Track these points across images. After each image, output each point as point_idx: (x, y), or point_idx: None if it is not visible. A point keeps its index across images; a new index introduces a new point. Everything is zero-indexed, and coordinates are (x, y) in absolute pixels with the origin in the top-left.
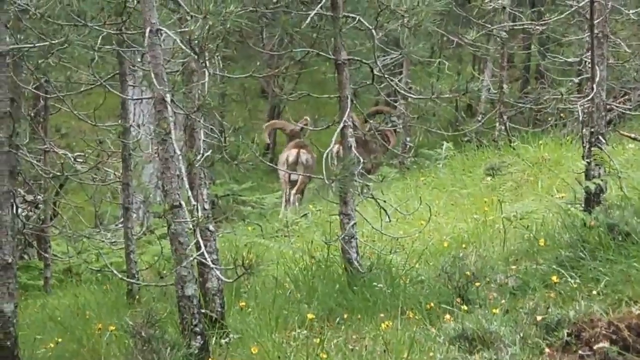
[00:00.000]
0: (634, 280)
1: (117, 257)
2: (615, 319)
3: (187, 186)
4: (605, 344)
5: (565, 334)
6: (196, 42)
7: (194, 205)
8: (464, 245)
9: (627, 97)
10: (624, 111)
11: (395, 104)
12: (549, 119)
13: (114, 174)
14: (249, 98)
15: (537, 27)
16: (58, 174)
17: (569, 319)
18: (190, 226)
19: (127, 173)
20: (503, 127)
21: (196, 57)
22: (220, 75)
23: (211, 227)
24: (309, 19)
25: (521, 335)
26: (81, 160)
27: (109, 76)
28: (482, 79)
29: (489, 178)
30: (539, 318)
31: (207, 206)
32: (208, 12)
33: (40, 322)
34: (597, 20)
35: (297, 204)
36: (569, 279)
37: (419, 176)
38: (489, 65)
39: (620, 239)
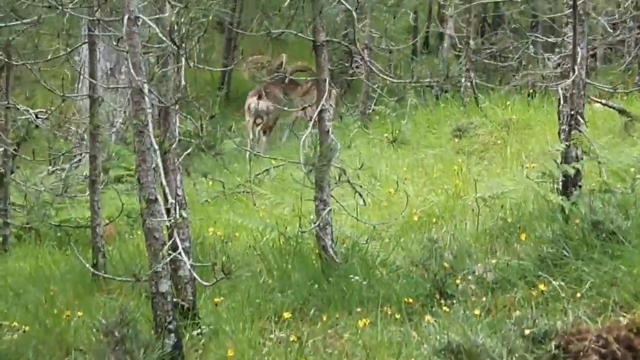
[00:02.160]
0: (620, 284)
1: (79, 214)
2: (604, 330)
3: (164, 182)
4: (594, 358)
5: (553, 347)
6: (176, 33)
7: (171, 203)
8: (434, 220)
9: (593, 52)
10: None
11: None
12: (513, 75)
13: (77, 131)
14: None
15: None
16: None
17: (556, 330)
18: (167, 224)
19: (94, 145)
20: (469, 84)
21: (177, 48)
22: (201, 67)
23: (184, 214)
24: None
25: (508, 348)
26: (43, 117)
27: (76, 45)
28: (445, 29)
29: (456, 139)
30: (526, 332)
31: (180, 192)
32: (189, 1)
33: (2, 291)
34: (580, 2)
35: (263, 145)
36: (553, 281)
37: (382, 130)
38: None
39: (604, 236)
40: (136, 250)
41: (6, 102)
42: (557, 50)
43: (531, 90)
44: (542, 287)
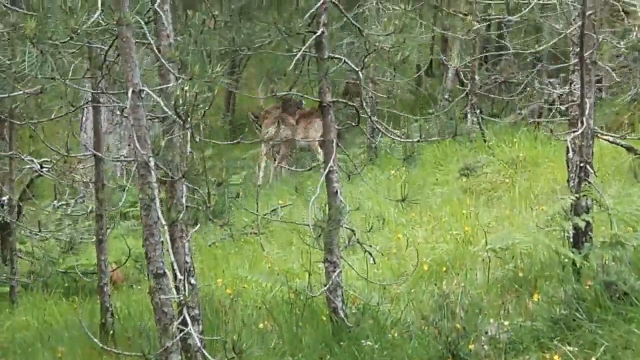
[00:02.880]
0: (635, 348)
1: (84, 258)
2: None
3: (172, 256)
4: None
5: None
6: (182, 107)
7: (179, 279)
8: (444, 269)
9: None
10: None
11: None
12: (519, 108)
13: (82, 180)
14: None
15: (527, 52)
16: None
17: None
18: (177, 302)
19: (100, 205)
20: (475, 119)
21: (182, 122)
22: (206, 140)
23: (193, 281)
24: (294, 61)
25: None
26: (48, 166)
27: (79, 105)
28: (449, 61)
29: (464, 178)
30: None
31: (188, 260)
32: (194, 74)
33: (10, 348)
34: (587, 53)
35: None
36: (567, 347)
37: (389, 167)
38: (457, 44)
39: (617, 297)
40: (143, 302)
41: (10, 152)
42: (562, 75)
43: (537, 122)
44: (556, 357)
